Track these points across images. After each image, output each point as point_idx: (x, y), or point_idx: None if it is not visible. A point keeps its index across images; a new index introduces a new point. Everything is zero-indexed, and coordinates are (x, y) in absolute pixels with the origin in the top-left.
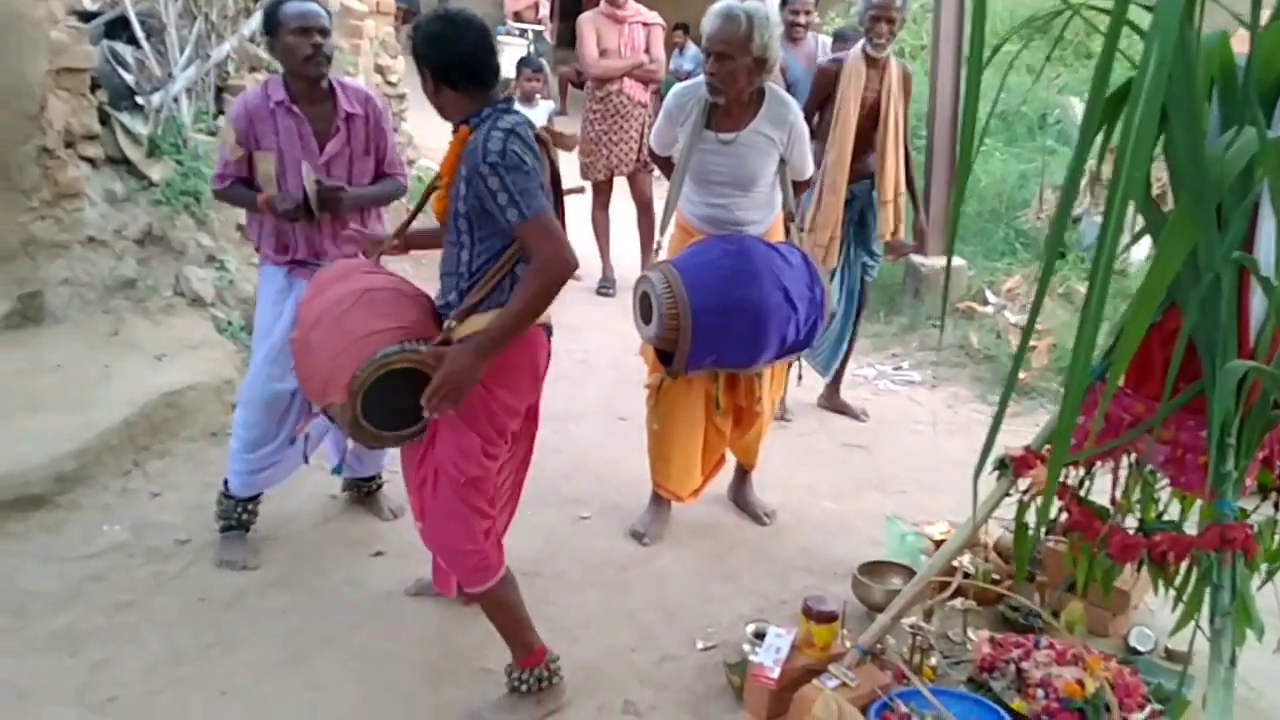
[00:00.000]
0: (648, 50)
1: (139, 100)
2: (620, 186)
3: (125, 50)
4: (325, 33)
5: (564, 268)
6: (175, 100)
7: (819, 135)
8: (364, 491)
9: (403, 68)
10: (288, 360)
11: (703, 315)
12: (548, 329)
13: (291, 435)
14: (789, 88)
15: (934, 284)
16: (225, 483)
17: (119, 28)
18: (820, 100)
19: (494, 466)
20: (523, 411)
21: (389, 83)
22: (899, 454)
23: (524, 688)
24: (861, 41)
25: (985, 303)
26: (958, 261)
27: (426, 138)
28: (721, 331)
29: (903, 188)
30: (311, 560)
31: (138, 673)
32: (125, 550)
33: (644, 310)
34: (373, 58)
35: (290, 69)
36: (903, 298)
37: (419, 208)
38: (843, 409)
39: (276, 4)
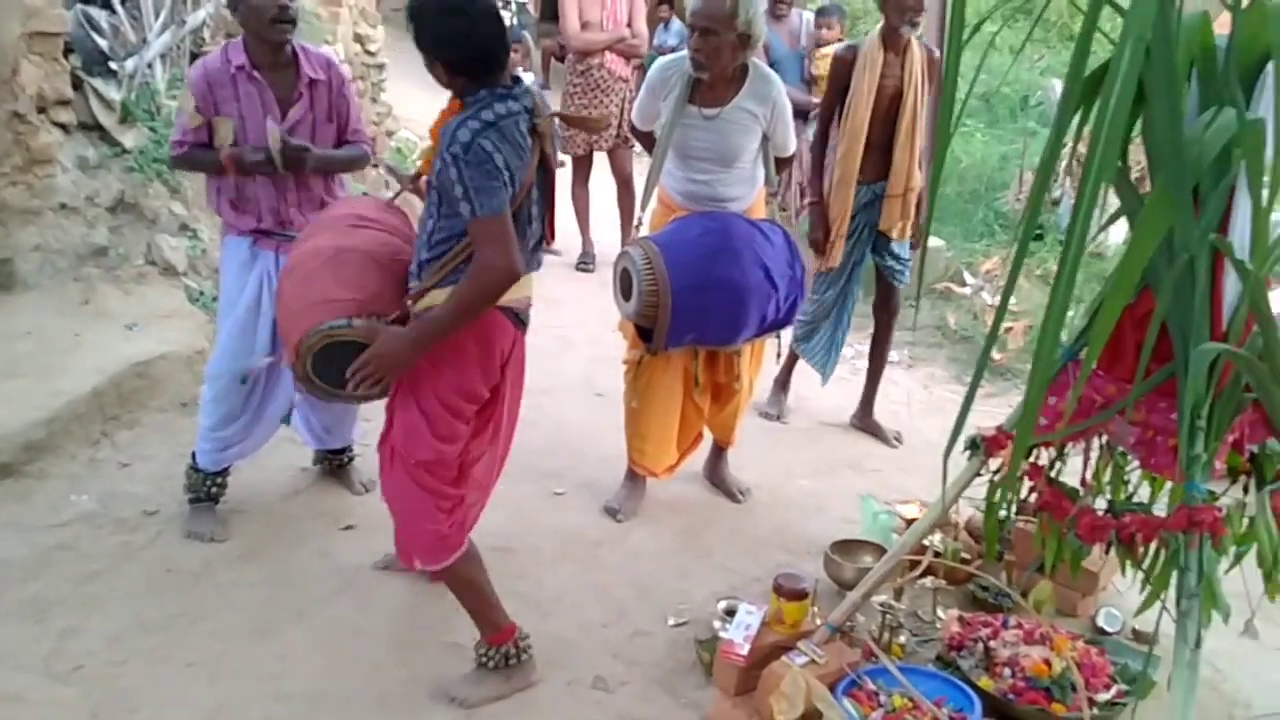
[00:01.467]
0: (630, 24)
1: (113, 66)
2: (600, 161)
3: (99, 15)
4: None
5: (503, 276)
6: (149, 66)
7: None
8: (335, 464)
9: (383, 37)
10: (254, 335)
11: (683, 293)
12: (519, 318)
13: (245, 374)
14: (773, 65)
15: (912, 265)
16: (193, 455)
17: None
18: (839, 92)
19: (450, 449)
20: (483, 394)
21: (369, 52)
22: None
23: (491, 664)
24: (879, 25)
25: (963, 284)
26: (936, 242)
27: (407, 109)
28: (701, 309)
29: (915, 182)
30: (281, 533)
31: (104, 642)
32: (93, 520)
33: (624, 287)
34: (351, 26)
35: (254, 31)
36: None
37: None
38: (875, 431)
39: None
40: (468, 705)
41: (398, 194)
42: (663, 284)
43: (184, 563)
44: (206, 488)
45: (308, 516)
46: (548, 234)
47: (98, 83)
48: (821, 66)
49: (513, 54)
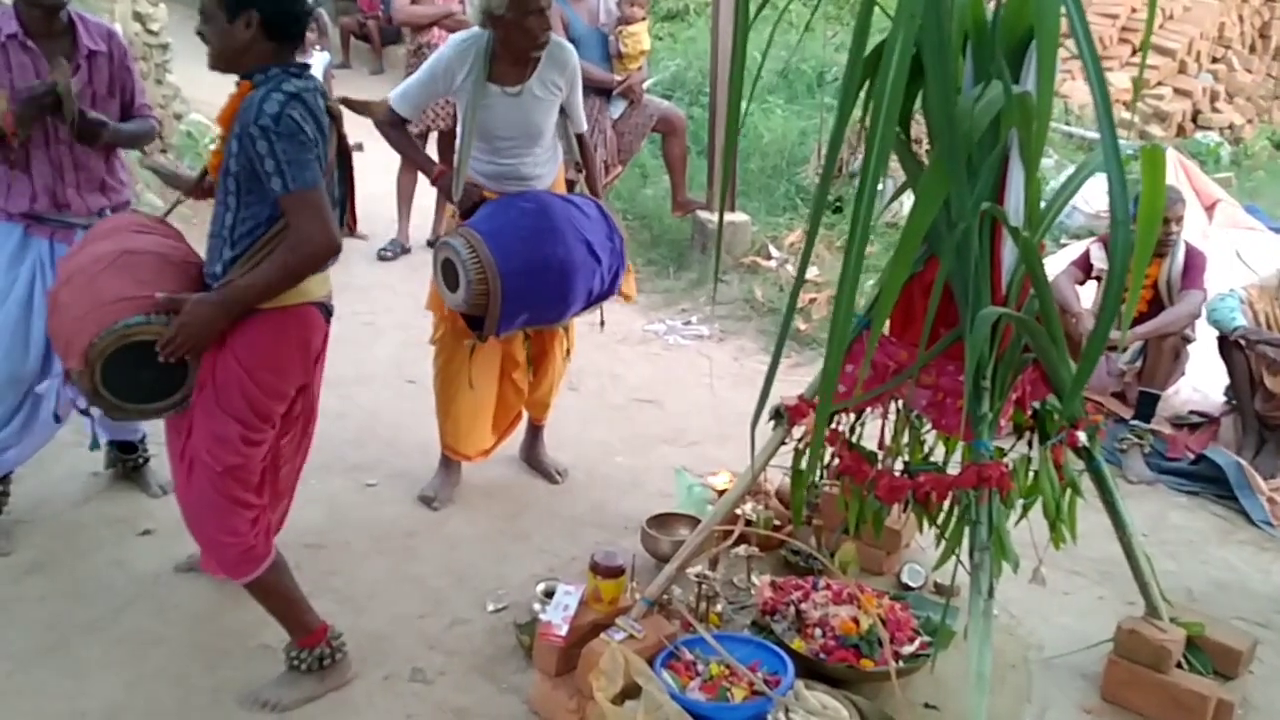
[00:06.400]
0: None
1: None
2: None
3: None
4: None
5: (322, 249)
6: None
7: None
8: (129, 466)
9: (165, 15)
10: (28, 333)
11: (511, 278)
12: (326, 310)
13: (57, 413)
14: (573, 42)
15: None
16: None
17: None
18: None
19: (256, 453)
20: (291, 394)
21: (150, 31)
22: (689, 407)
23: (303, 667)
24: None
25: (769, 257)
26: (742, 217)
27: (196, 90)
28: (531, 291)
29: None
30: (72, 542)
31: None
32: None
33: (448, 278)
34: (130, 4)
35: None
36: (691, 253)
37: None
38: None
39: None
40: (280, 709)
41: (174, 206)
42: (490, 271)
43: None
44: None
45: (101, 523)
46: (349, 221)
47: None
48: (630, 45)
49: (308, 32)
